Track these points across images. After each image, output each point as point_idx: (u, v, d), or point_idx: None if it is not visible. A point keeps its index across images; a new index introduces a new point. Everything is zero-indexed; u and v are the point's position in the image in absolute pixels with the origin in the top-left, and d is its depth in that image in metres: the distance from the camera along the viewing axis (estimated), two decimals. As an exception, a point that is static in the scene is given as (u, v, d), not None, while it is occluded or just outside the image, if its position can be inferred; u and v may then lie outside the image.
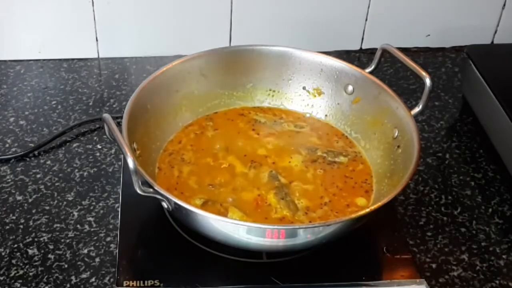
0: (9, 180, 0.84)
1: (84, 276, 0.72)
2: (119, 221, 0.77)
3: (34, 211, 0.80)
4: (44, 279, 0.72)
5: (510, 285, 0.74)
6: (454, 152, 0.92)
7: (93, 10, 1.01)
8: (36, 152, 0.88)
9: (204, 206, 0.74)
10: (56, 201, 0.81)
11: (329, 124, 0.88)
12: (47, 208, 0.80)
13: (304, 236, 0.67)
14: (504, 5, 1.09)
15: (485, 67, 0.95)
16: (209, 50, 0.86)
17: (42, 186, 0.83)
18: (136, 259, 0.73)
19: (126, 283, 0.69)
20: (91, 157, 0.88)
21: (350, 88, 0.86)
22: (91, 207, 0.80)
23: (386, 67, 1.07)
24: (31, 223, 0.78)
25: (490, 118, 0.93)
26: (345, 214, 0.75)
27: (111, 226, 0.78)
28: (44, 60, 1.05)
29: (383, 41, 0.84)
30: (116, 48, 1.06)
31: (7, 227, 0.77)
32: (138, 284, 0.69)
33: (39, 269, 0.73)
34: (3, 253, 0.74)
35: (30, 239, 0.76)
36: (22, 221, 0.78)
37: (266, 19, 1.06)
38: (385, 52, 0.83)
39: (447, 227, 0.81)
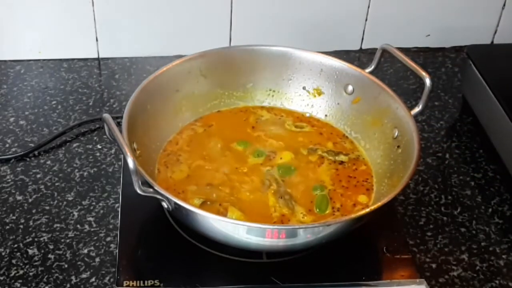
0: (9, 180, 0.84)
1: (84, 276, 0.72)
2: (119, 221, 0.77)
3: (34, 211, 0.79)
4: (44, 279, 0.72)
5: (510, 285, 0.74)
6: (454, 152, 0.92)
7: (93, 10, 1.01)
8: (36, 152, 0.88)
9: (203, 206, 0.74)
10: (56, 201, 0.81)
11: (329, 124, 0.88)
12: (47, 208, 0.80)
13: (304, 236, 0.67)
14: (504, 5, 1.09)
15: (485, 67, 0.94)
16: (209, 50, 0.86)
17: (42, 186, 0.83)
18: (136, 259, 0.73)
19: (126, 283, 0.69)
20: (91, 157, 0.88)
21: (350, 88, 0.85)
22: (91, 207, 0.80)
23: (386, 67, 1.07)
24: (31, 223, 0.78)
25: (490, 118, 0.93)
26: (350, 213, 0.75)
27: (111, 226, 0.78)
28: (44, 60, 1.05)
29: (383, 41, 0.84)
30: (116, 48, 1.06)
31: (7, 227, 0.77)
32: (138, 284, 0.69)
33: (39, 269, 0.73)
34: (3, 253, 0.74)
35: (30, 239, 0.76)
36: (22, 221, 0.78)
37: (266, 19, 1.06)
38: (385, 52, 0.83)
39: (447, 227, 0.81)
